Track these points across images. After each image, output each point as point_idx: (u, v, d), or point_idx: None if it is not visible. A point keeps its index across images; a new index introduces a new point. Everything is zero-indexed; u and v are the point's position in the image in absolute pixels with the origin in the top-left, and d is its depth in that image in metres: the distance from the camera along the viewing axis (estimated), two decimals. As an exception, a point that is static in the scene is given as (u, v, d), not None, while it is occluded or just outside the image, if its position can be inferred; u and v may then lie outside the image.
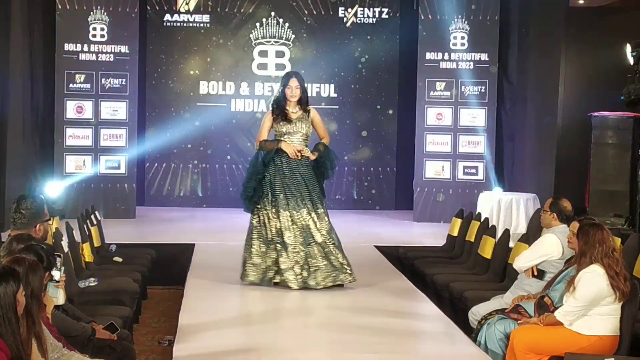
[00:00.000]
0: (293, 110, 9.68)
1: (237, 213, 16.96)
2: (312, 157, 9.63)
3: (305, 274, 9.40)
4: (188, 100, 18.11)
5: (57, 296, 5.78)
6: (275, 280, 9.52)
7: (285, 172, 9.57)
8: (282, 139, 9.62)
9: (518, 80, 16.46)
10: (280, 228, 9.48)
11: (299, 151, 9.57)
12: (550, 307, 6.88)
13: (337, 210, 16.82)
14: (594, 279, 6.56)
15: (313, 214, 9.53)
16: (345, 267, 9.51)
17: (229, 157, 18.21)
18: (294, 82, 9.67)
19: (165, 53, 18.04)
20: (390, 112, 18.31)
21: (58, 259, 5.82)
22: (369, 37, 18.29)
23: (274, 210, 9.53)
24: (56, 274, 5.74)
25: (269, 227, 9.53)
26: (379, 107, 18.23)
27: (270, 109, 9.85)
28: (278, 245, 9.47)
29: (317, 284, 9.39)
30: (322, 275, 9.43)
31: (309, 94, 17.84)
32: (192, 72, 18.11)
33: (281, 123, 9.63)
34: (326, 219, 9.64)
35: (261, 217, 9.60)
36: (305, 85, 9.82)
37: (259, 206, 9.62)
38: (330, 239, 9.57)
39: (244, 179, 9.99)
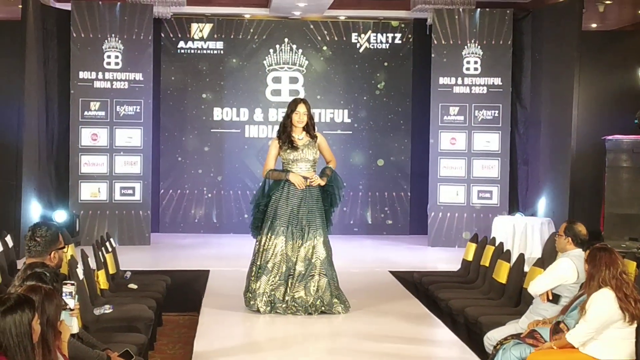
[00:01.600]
0: (299, 137, 9.70)
1: (251, 239, 17.04)
2: (322, 183, 9.62)
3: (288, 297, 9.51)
4: (202, 127, 18.16)
5: (71, 324, 5.79)
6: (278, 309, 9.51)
7: (289, 199, 9.58)
8: (289, 166, 9.64)
9: (531, 104, 16.46)
10: (279, 255, 9.55)
11: (307, 179, 9.56)
12: (566, 333, 6.85)
13: (352, 235, 16.82)
14: (604, 302, 6.55)
15: (310, 242, 9.58)
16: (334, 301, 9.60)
17: (242, 182, 18.22)
18: (301, 108, 9.69)
19: (179, 80, 18.11)
20: (404, 136, 18.31)
21: (72, 287, 5.84)
22: (382, 63, 18.32)
23: (272, 237, 9.58)
24: (70, 303, 5.76)
25: (269, 253, 9.59)
26: (392, 132, 18.24)
27: (276, 135, 9.89)
28: (277, 272, 9.56)
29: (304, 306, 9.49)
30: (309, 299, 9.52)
31: (323, 120, 18.20)
32: (205, 99, 18.16)
33: (287, 150, 9.64)
34: (323, 249, 9.62)
35: (262, 243, 9.71)
36: (312, 112, 9.92)
37: (261, 233, 9.73)
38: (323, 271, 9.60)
39: (250, 207, 10.15)
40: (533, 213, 15.63)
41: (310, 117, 9.76)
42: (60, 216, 15.27)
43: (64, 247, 6.33)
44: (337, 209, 10.19)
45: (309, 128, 9.75)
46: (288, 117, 9.75)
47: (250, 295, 9.64)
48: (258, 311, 9.43)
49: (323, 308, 9.48)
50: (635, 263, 9.28)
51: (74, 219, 15.55)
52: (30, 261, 6.20)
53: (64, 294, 5.78)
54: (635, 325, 6.58)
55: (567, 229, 8.00)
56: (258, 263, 9.66)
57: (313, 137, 9.74)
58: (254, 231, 9.89)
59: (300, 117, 9.65)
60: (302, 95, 17.92)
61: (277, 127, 18.02)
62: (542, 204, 15.68)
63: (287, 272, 9.50)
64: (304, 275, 9.47)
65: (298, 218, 9.55)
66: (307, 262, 9.51)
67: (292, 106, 9.76)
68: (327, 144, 9.95)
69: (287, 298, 9.44)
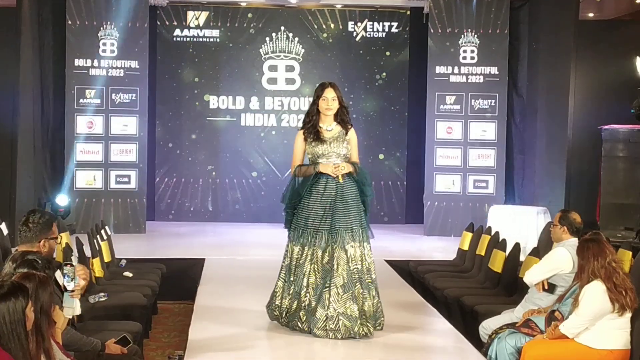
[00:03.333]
0: (327, 128, 8.13)
1: (247, 227, 17.06)
2: (349, 169, 7.98)
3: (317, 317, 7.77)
4: (198, 115, 18.14)
5: (73, 306, 5.79)
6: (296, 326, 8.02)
7: (323, 196, 7.98)
8: (317, 161, 8.06)
9: (528, 93, 16.45)
10: (309, 264, 7.94)
11: (337, 167, 7.95)
12: (561, 322, 6.85)
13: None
14: (595, 295, 6.55)
15: (351, 248, 7.87)
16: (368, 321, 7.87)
17: (238, 171, 18.20)
18: (330, 93, 8.10)
19: (175, 68, 18.07)
20: (400, 125, 18.29)
21: (72, 269, 5.83)
22: (378, 51, 18.29)
23: (303, 245, 7.98)
24: (70, 285, 5.74)
25: (297, 262, 8.02)
26: (388, 120, 18.22)
27: (301, 126, 8.35)
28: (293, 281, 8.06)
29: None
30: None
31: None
32: (201, 87, 18.13)
33: (313, 143, 8.08)
34: (361, 254, 7.95)
35: (289, 251, 8.16)
36: (343, 98, 8.24)
37: (293, 240, 8.09)
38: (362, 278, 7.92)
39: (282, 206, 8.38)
40: (529, 202, 15.63)
41: (342, 103, 8.19)
42: (61, 200, 15.26)
43: (56, 238, 6.25)
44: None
45: (343, 117, 8.19)
46: (314, 104, 8.18)
47: (276, 313, 8.22)
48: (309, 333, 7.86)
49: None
50: (630, 253, 9.28)
51: (72, 205, 15.55)
52: (22, 249, 6.17)
53: (64, 276, 5.77)
54: (629, 314, 6.58)
55: (561, 218, 8.00)
56: (292, 278, 8.08)
57: (345, 128, 8.17)
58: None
59: (328, 103, 8.07)
60: (298, 84, 17.92)
61: (272, 116, 18.34)
62: (538, 193, 15.67)
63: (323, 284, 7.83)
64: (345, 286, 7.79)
65: (334, 219, 7.91)
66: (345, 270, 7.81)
67: (319, 91, 8.17)
68: (356, 141, 8.29)
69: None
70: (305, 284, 7.90)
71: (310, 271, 7.91)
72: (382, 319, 8.04)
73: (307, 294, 7.88)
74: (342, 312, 7.68)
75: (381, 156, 18.30)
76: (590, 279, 6.61)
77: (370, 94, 18.29)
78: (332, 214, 7.90)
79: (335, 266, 7.77)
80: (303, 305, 7.89)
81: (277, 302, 8.15)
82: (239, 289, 10.34)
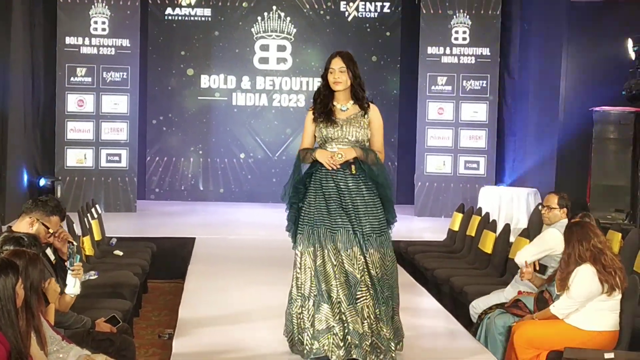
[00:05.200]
0: (342, 107, 6.62)
1: (238, 207, 17.06)
2: (347, 157, 6.46)
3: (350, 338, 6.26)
4: (189, 94, 18.10)
5: (73, 285, 5.80)
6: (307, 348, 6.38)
7: (326, 192, 6.51)
8: (324, 147, 6.60)
9: (519, 74, 16.44)
10: (320, 271, 6.39)
11: (333, 156, 6.47)
12: (550, 302, 6.88)
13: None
14: (585, 278, 6.55)
15: (364, 251, 6.37)
16: (391, 342, 6.36)
17: (229, 150, 18.19)
18: (337, 63, 6.61)
19: (166, 47, 18.02)
20: (392, 105, 18.28)
21: (71, 247, 5.83)
22: (370, 32, 18.26)
23: (312, 248, 6.45)
24: (69, 263, 5.76)
25: (306, 270, 6.46)
26: (379, 101, 18.20)
27: (311, 104, 6.83)
28: (316, 296, 6.39)
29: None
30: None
31: (311, 88, 18.11)
32: (193, 66, 18.08)
33: (321, 125, 6.58)
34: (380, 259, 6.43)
35: (297, 257, 6.56)
36: (358, 71, 6.68)
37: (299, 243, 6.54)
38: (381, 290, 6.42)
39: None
40: (519, 184, 15.65)
41: (356, 75, 6.65)
42: (41, 182, 15.28)
43: (47, 228, 6.20)
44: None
45: (357, 94, 6.66)
46: (323, 79, 6.71)
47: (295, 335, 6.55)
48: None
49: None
50: (620, 234, 9.32)
51: (54, 187, 15.49)
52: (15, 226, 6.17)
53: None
54: (619, 295, 6.59)
55: (561, 199, 7.99)
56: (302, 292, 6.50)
57: (363, 108, 6.64)
58: (292, 238, 6.67)
59: (336, 75, 6.57)
60: (289, 63, 17.89)
61: (264, 96, 18.31)
62: (529, 174, 15.70)
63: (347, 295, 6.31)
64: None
65: (347, 217, 6.43)
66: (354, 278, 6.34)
67: (327, 64, 6.70)
68: (381, 124, 6.72)
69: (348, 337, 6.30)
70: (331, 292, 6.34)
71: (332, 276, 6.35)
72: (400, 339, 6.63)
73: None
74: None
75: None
76: (578, 263, 6.62)
77: (361, 73, 18.19)
78: (335, 207, 6.45)
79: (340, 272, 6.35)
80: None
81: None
82: (229, 268, 10.37)
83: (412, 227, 15.21)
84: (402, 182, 18.02)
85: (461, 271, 9.98)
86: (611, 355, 6.34)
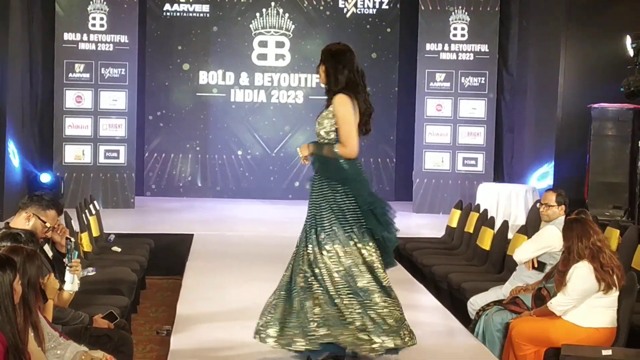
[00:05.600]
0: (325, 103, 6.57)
1: (236, 203, 17.04)
2: (301, 153, 6.54)
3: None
4: (187, 90, 18.09)
5: (72, 282, 5.80)
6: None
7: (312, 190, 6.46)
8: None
9: (518, 71, 16.45)
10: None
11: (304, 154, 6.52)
12: (547, 299, 6.88)
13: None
14: (582, 275, 6.56)
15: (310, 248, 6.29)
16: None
17: (227, 147, 18.18)
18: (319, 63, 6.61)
19: (164, 43, 18.01)
20: (390, 102, 18.27)
21: (69, 243, 5.83)
22: (368, 28, 18.26)
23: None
24: (67, 259, 5.76)
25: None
26: (378, 97, 18.15)
27: None
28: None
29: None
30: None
31: (309, 84, 18.11)
32: (191, 62, 18.07)
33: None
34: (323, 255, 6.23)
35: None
36: (331, 63, 6.53)
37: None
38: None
39: None
40: (517, 180, 15.66)
41: (330, 70, 6.54)
42: (44, 178, 15.24)
43: (44, 222, 6.19)
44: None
45: (330, 86, 6.54)
46: None
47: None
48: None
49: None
50: (618, 231, 9.32)
51: (59, 181, 15.52)
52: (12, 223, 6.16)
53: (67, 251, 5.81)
54: (616, 293, 6.60)
55: (559, 197, 7.99)
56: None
57: (330, 97, 6.54)
58: None
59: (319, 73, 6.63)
60: (288, 60, 17.88)
61: (262, 92, 18.28)
62: (527, 171, 15.70)
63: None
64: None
65: (311, 212, 6.42)
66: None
67: None
68: (342, 113, 6.40)
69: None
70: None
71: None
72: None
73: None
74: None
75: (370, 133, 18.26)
76: (576, 260, 6.62)
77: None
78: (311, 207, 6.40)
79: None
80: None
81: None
82: (227, 265, 10.38)
83: (410, 223, 15.20)
84: (401, 178, 18.03)
85: (459, 268, 10.00)
86: (609, 352, 6.35)
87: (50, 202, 6.24)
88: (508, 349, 6.91)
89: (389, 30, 18.29)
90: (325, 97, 6.56)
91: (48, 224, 6.14)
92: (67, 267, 5.86)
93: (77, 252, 5.93)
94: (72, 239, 6.02)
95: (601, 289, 6.55)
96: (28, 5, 15.38)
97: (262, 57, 18.13)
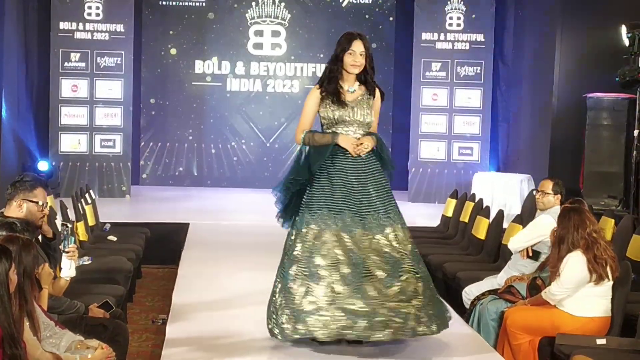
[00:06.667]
0: (350, 89, 6.59)
1: (232, 193, 17.03)
2: (372, 145, 6.61)
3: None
4: (183, 79, 18.08)
5: (69, 267, 5.80)
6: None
7: (348, 177, 6.44)
8: (332, 129, 6.53)
9: (514, 61, 16.45)
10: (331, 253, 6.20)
11: (359, 145, 6.46)
12: (542, 288, 6.90)
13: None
14: (576, 265, 6.58)
15: (393, 234, 6.55)
16: (422, 317, 6.14)
17: (223, 136, 18.19)
18: (358, 46, 6.59)
19: (160, 32, 17.99)
20: (386, 92, 18.22)
21: (65, 229, 5.83)
22: (364, 17, 18.24)
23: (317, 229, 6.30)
24: (64, 245, 5.77)
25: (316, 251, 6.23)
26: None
27: (318, 83, 6.69)
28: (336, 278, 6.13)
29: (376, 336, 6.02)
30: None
31: (305, 74, 18.13)
32: (187, 51, 18.06)
33: (331, 106, 6.49)
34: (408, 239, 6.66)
35: (306, 242, 6.29)
36: (296, 65, 6.56)
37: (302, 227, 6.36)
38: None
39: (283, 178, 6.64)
40: (513, 170, 15.67)
41: (372, 59, 6.74)
42: (42, 166, 15.25)
43: (37, 202, 6.17)
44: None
45: (367, 77, 6.69)
46: (337, 58, 6.60)
47: (280, 320, 6.25)
48: (314, 339, 6.22)
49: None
50: (613, 220, 9.34)
51: (56, 170, 15.52)
52: (5, 213, 6.15)
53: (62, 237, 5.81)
54: (610, 283, 6.62)
55: (555, 185, 8.00)
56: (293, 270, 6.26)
57: (371, 90, 6.67)
58: (282, 213, 6.63)
59: (355, 58, 6.56)
60: (284, 49, 17.86)
61: (258, 81, 18.28)
62: (522, 160, 15.72)
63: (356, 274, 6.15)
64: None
65: (360, 200, 6.46)
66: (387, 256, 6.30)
67: (345, 43, 6.66)
68: (379, 108, 6.85)
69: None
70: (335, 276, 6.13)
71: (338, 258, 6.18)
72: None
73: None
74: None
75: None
76: (570, 249, 6.64)
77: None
78: (358, 193, 6.45)
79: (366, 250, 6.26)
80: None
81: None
82: (222, 254, 10.38)
83: (405, 213, 14.91)
84: (396, 167, 17.99)
85: (454, 257, 10.01)
86: (603, 341, 6.36)
87: (34, 181, 6.23)
88: (503, 338, 6.93)
89: (384, 19, 18.27)
90: (360, 85, 6.68)
91: (40, 202, 6.13)
92: (64, 253, 5.86)
93: (73, 238, 5.94)
94: (69, 225, 6.02)
95: (592, 280, 6.57)
96: (23, -7, 15.36)
97: (258, 46, 18.12)
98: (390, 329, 5.98)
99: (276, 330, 6.26)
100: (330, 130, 6.52)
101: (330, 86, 6.53)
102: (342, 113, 6.47)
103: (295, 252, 6.28)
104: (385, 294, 6.07)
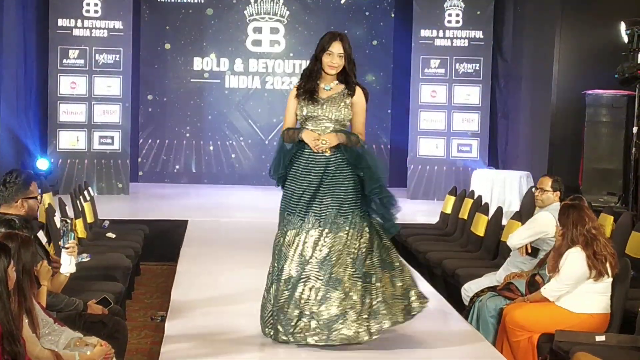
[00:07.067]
0: (326, 87, 6.63)
1: (231, 190, 17.03)
2: (331, 143, 6.51)
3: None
4: (182, 76, 18.07)
5: (68, 263, 5.80)
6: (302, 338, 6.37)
7: (310, 170, 6.53)
8: (303, 125, 6.67)
9: (513, 57, 16.44)
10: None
11: (317, 140, 6.49)
12: (541, 285, 6.90)
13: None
14: (575, 261, 6.58)
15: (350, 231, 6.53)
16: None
17: (222, 133, 18.18)
18: (336, 47, 6.53)
19: (159, 29, 17.98)
20: (384, 88, 18.26)
21: (65, 225, 5.83)
22: (364, 14, 18.23)
23: (289, 230, 6.52)
24: (63, 241, 5.76)
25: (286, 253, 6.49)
26: (372, 84, 18.14)
27: (297, 83, 6.82)
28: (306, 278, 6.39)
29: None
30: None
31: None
32: (185, 48, 18.04)
33: (302, 103, 6.64)
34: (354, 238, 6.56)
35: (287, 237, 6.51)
36: (294, 62, 6.63)
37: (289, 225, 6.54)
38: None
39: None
40: (512, 167, 15.67)
41: (350, 60, 6.61)
42: (42, 164, 15.23)
43: (35, 197, 6.19)
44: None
45: (347, 76, 6.63)
46: (316, 59, 6.61)
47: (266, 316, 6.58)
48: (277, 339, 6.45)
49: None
50: (612, 217, 9.34)
51: (56, 168, 15.52)
52: (1, 211, 6.14)
53: (61, 233, 5.81)
54: (609, 279, 6.62)
55: (554, 182, 7.99)
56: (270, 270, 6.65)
57: (351, 88, 6.62)
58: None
59: (333, 59, 6.52)
60: (282, 46, 17.85)
61: (257, 78, 18.27)
62: (521, 157, 15.71)
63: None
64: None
65: (321, 198, 6.51)
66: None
67: (325, 42, 6.58)
68: (364, 107, 6.68)
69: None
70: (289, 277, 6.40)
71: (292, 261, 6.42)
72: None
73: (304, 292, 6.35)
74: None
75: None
76: (570, 246, 6.64)
77: (354, 56, 18.17)
78: (316, 194, 6.49)
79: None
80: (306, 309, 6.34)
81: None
82: (221, 251, 10.38)
83: (404, 210, 14.95)
84: (395, 165, 17.99)
85: (453, 254, 10.00)
86: (602, 338, 6.36)
87: (26, 178, 6.26)
88: (502, 335, 6.93)
89: (383, 16, 18.26)
90: (339, 83, 6.67)
91: (38, 196, 6.16)
92: (64, 249, 5.86)
93: (72, 234, 5.94)
94: (68, 221, 6.02)
95: (592, 277, 6.57)
96: (22, -10, 15.34)
97: (257, 43, 18.10)
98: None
99: (266, 330, 6.54)
100: (301, 127, 6.65)
101: (307, 85, 6.63)
102: (310, 109, 6.59)
103: (274, 252, 6.58)
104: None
